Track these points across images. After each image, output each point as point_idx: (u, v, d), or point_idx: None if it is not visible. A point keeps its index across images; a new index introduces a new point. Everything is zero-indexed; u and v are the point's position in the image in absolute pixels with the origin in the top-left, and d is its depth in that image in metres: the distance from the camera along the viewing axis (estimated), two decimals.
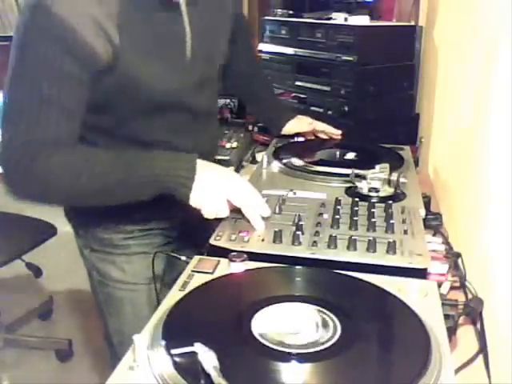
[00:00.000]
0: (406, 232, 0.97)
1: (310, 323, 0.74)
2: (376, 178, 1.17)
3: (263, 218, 1.00)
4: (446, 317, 0.78)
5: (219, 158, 1.51)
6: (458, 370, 0.77)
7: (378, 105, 1.74)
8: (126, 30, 0.93)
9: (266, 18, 2.06)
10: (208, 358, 0.62)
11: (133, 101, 1.00)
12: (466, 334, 0.87)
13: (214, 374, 0.60)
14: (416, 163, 1.41)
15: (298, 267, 0.88)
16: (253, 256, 0.90)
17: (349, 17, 1.82)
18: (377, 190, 1.15)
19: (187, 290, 0.82)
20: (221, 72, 1.19)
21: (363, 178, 1.18)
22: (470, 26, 1.25)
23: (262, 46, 2.01)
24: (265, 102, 1.57)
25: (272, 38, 1.99)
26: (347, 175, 1.20)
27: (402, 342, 0.72)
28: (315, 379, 0.66)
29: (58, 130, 0.92)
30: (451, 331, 0.79)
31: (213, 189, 0.99)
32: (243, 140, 1.74)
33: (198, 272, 0.88)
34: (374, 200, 1.12)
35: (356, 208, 1.04)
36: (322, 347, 0.68)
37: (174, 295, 0.81)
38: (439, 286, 0.88)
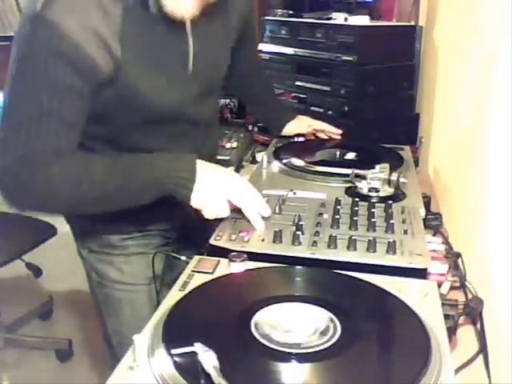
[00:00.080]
0: (406, 232, 0.97)
1: (310, 323, 0.74)
2: (376, 178, 1.17)
3: (263, 218, 1.00)
4: (446, 317, 0.78)
5: (219, 158, 1.50)
6: (458, 370, 0.77)
7: (377, 105, 1.74)
8: (128, 44, 0.92)
9: (266, 17, 2.06)
10: (208, 358, 0.62)
11: (133, 112, 1.00)
12: (466, 334, 0.87)
13: (214, 374, 0.60)
14: (416, 163, 1.41)
15: (298, 267, 0.88)
16: (253, 256, 0.90)
17: (349, 17, 1.82)
18: (377, 190, 1.15)
19: (187, 290, 0.82)
20: (223, 81, 1.19)
21: (363, 177, 1.18)
22: (470, 26, 1.25)
23: (262, 46, 2.01)
24: (265, 102, 1.57)
25: (272, 38, 1.99)
26: (347, 175, 1.20)
27: (402, 341, 0.72)
28: (315, 379, 0.66)
29: (58, 142, 0.91)
30: (451, 331, 0.79)
31: (213, 189, 0.99)
32: (243, 140, 1.74)
33: (198, 272, 0.88)
34: (374, 200, 1.12)
35: (356, 208, 1.04)
36: (322, 347, 0.68)
37: (173, 295, 0.81)
38: (439, 286, 0.88)
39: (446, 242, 1.06)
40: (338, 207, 1.06)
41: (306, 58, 1.84)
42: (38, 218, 2.11)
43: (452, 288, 0.93)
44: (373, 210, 1.04)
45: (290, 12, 2.05)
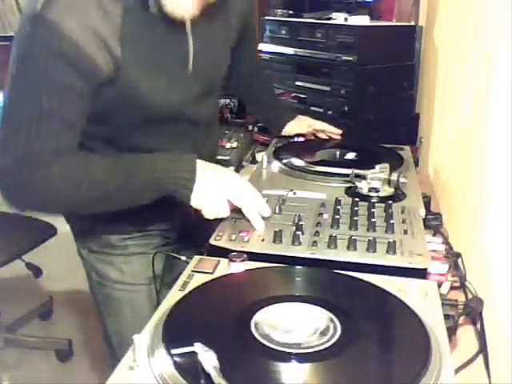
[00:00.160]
0: (406, 232, 0.97)
1: (310, 323, 0.74)
2: (376, 178, 1.17)
3: (263, 218, 1.00)
4: (446, 317, 0.78)
5: (219, 158, 1.51)
6: (458, 370, 0.77)
7: (378, 105, 1.74)
8: (128, 44, 0.92)
9: (266, 17, 2.06)
10: (208, 358, 0.62)
11: (133, 112, 1.00)
12: (466, 334, 0.87)
13: (214, 374, 0.60)
14: (416, 163, 1.41)
15: (297, 267, 0.88)
16: (253, 256, 0.90)
17: (349, 17, 1.82)
18: (377, 190, 1.15)
19: (187, 290, 0.82)
20: (223, 81, 1.19)
21: (363, 177, 1.18)
22: (470, 26, 1.25)
23: (262, 46, 2.01)
24: (265, 102, 1.57)
25: (272, 38, 1.99)
26: (347, 175, 1.20)
27: (402, 341, 0.72)
28: (315, 379, 0.66)
29: (58, 142, 0.91)
30: (451, 331, 0.79)
31: (213, 189, 0.99)
32: (243, 140, 1.74)
33: (198, 272, 0.88)
34: (374, 200, 1.12)
35: (356, 208, 1.04)
36: (322, 347, 0.68)
37: (173, 295, 0.81)
38: (439, 286, 0.88)
39: (446, 242, 1.06)
40: (338, 207, 1.06)
41: (306, 58, 1.84)
42: (38, 218, 2.11)
43: (452, 288, 0.93)
44: (373, 210, 1.04)
45: (290, 12, 2.04)
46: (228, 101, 2.01)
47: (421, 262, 0.88)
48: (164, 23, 0.94)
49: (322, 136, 1.57)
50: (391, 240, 0.90)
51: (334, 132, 1.56)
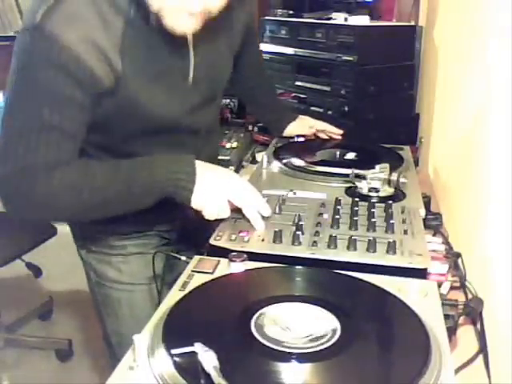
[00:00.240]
0: (406, 232, 0.97)
1: (310, 323, 0.74)
2: (376, 178, 1.17)
3: (263, 218, 1.00)
4: (446, 317, 0.78)
5: (219, 158, 1.50)
6: (458, 370, 0.77)
7: (377, 105, 1.74)
8: (128, 57, 0.91)
9: (266, 17, 2.06)
10: (208, 358, 0.62)
11: (132, 122, 0.99)
12: (466, 334, 0.87)
13: (214, 374, 0.60)
14: (416, 163, 1.41)
15: (297, 267, 0.88)
16: (253, 256, 0.90)
17: (349, 17, 1.82)
18: (377, 190, 1.15)
19: (187, 290, 0.82)
20: (223, 91, 1.19)
21: (363, 178, 1.18)
22: (470, 26, 1.25)
23: (262, 46, 2.00)
24: (265, 104, 1.57)
25: (272, 38, 1.99)
26: (347, 175, 1.20)
27: (401, 341, 0.72)
28: (315, 379, 0.66)
29: (59, 154, 0.91)
30: (451, 331, 0.79)
31: (214, 190, 0.99)
32: (243, 140, 1.74)
33: (198, 272, 0.88)
34: (374, 200, 1.12)
35: (356, 208, 1.04)
36: (322, 347, 0.68)
37: (173, 295, 0.81)
38: (439, 286, 0.88)
39: (446, 242, 1.06)
40: (338, 207, 1.06)
41: (306, 58, 1.84)
42: None
43: (452, 288, 0.93)
44: (373, 210, 1.04)
45: (290, 12, 2.04)
46: (228, 101, 2.01)
47: (421, 262, 0.88)
48: (165, 36, 0.93)
49: (323, 136, 1.57)
50: (391, 240, 0.90)
51: (335, 132, 1.56)
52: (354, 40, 1.66)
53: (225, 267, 0.89)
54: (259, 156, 1.69)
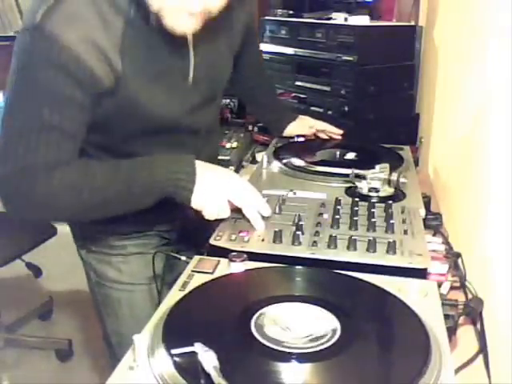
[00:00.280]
0: (406, 232, 0.97)
1: (310, 323, 0.74)
2: (376, 178, 1.17)
3: (263, 218, 1.00)
4: (446, 317, 0.78)
5: (219, 158, 1.50)
6: (458, 370, 0.77)
7: (377, 105, 1.74)
8: (128, 57, 0.91)
9: (266, 17, 2.06)
10: (208, 358, 0.62)
11: (132, 122, 0.99)
12: (466, 334, 0.87)
13: (214, 374, 0.60)
14: (416, 163, 1.41)
15: (297, 267, 0.88)
16: (253, 256, 0.90)
17: (349, 17, 1.82)
18: (377, 190, 1.15)
19: (187, 290, 0.82)
20: (223, 91, 1.19)
21: (363, 178, 1.18)
22: (470, 26, 1.25)
23: (262, 46, 2.00)
24: (265, 104, 1.57)
25: (272, 38, 1.99)
26: (347, 175, 1.20)
27: (401, 341, 0.72)
28: (315, 379, 0.66)
29: (59, 154, 0.90)
30: (451, 331, 0.79)
31: (214, 190, 0.99)
32: (243, 140, 1.74)
33: (198, 272, 0.88)
34: (374, 200, 1.12)
35: (356, 208, 1.04)
36: (322, 347, 0.68)
37: (173, 295, 0.81)
38: (439, 286, 0.88)
39: (446, 242, 1.06)
40: (338, 207, 1.06)
41: (306, 58, 1.84)
42: None
43: (452, 288, 0.93)
44: (373, 210, 1.04)
45: (290, 12, 2.04)
46: (228, 101, 2.01)
47: (421, 262, 0.88)
48: (165, 36, 0.93)
49: (323, 136, 1.57)
50: (391, 240, 0.90)
51: (335, 132, 1.56)
52: (354, 40, 1.66)
53: (225, 267, 0.89)
54: (259, 156, 1.69)
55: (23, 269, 2.50)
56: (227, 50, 1.13)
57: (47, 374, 2.15)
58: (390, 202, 1.08)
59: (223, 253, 0.91)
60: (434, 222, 1.11)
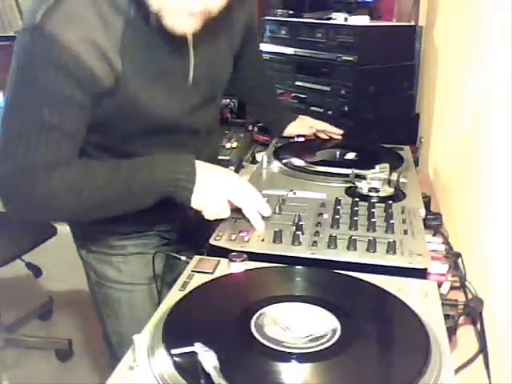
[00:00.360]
0: (406, 232, 0.97)
1: (310, 323, 0.74)
2: (376, 178, 1.17)
3: (264, 218, 1.00)
4: (446, 317, 0.78)
5: (219, 157, 1.50)
6: (458, 370, 0.77)
7: (377, 105, 1.74)
8: (128, 57, 0.91)
9: (266, 17, 2.06)
10: (208, 358, 0.62)
11: (132, 122, 0.99)
12: (466, 334, 0.87)
13: (214, 374, 0.60)
14: (416, 163, 1.41)
15: (298, 267, 0.88)
16: (253, 256, 0.90)
17: (349, 17, 1.82)
18: (377, 190, 1.15)
19: (187, 290, 0.82)
20: (223, 91, 1.19)
21: (363, 178, 1.18)
22: (470, 26, 1.25)
23: (262, 46, 2.00)
24: (265, 104, 1.57)
25: (272, 38, 1.99)
26: (347, 175, 1.20)
27: (401, 341, 0.72)
28: (315, 379, 0.66)
29: (59, 153, 0.90)
30: (451, 331, 0.79)
31: (213, 190, 0.99)
32: (243, 140, 1.74)
33: (198, 272, 0.88)
34: (374, 200, 1.12)
35: (356, 208, 1.04)
36: (322, 347, 0.68)
37: (173, 295, 0.81)
38: (439, 286, 0.88)
39: (446, 242, 1.06)
40: (338, 207, 1.06)
41: (306, 58, 1.84)
42: None
43: (452, 288, 0.93)
44: (373, 210, 1.04)
45: (290, 12, 2.04)
46: (228, 101, 2.01)
47: (421, 262, 0.88)
48: (165, 36, 0.93)
49: (323, 136, 1.57)
50: (391, 240, 0.90)
51: (335, 132, 1.56)
52: (353, 40, 1.66)
53: (225, 267, 0.89)
54: (259, 156, 1.69)
55: (23, 269, 2.50)
56: (227, 50, 1.13)
57: (47, 373, 2.15)
58: (390, 201, 1.08)
59: (223, 253, 0.91)
60: (434, 222, 1.11)
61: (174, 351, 0.65)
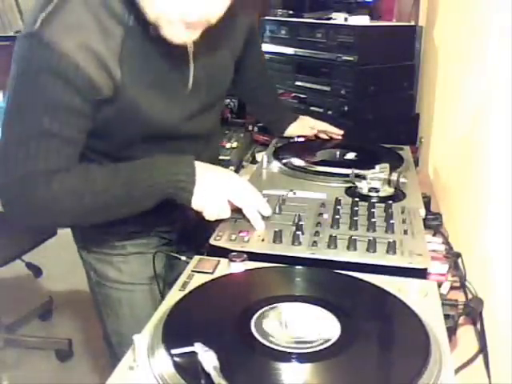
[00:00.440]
0: (406, 232, 0.97)
1: (310, 323, 0.74)
2: (376, 178, 1.17)
3: (264, 218, 1.00)
4: (446, 317, 0.78)
5: (219, 158, 1.50)
6: (458, 370, 0.77)
7: (377, 105, 1.74)
8: (127, 66, 0.91)
9: (266, 18, 2.06)
10: (208, 358, 0.62)
11: (132, 129, 0.99)
12: (466, 334, 0.87)
13: (214, 374, 0.60)
14: (416, 163, 1.41)
15: (298, 267, 0.88)
16: (253, 256, 0.90)
17: (349, 17, 1.82)
18: (377, 190, 1.15)
19: (187, 290, 0.82)
20: (224, 96, 1.19)
21: (363, 178, 1.18)
22: (470, 26, 1.25)
23: (262, 46, 2.00)
24: (266, 105, 1.56)
25: (272, 38, 1.99)
26: (347, 175, 1.20)
27: (401, 341, 0.72)
28: (315, 379, 0.66)
29: (59, 160, 0.90)
30: (451, 331, 0.79)
31: (214, 190, 0.98)
32: (243, 140, 1.74)
33: (198, 272, 0.88)
34: (374, 200, 1.12)
35: (356, 208, 1.04)
36: (322, 347, 0.68)
37: (173, 295, 0.81)
38: (439, 286, 0.88)
39: (446, 242, 1.06)
40: (338, 207, 1.06)
41: (306, 58, 1.84)
42: None
43: (452, 288, 0.93)
44: (373, 210, 1.04)
45: (290, 12, 2.04)
46: (228, 101, 2.01)
47: (421, 262, 0.88)
48: (164, 45, 0.92)
49: (323, 136, 1.57)
50: (391, 240, 0.90)
51: (336, 132, 1.56)
52: (353, 40, 1.66)
53: (225, 267, 0.89)
54: (259, 156, 1.69)
55: (23, 269, 2.50)
56: (229, 55, 1.12)
57: (47, 373, 2.15)
58: (390, 202, 1.08)
59: (223, 253, 0.91)
60: (434, 222, 1.11)
61: (173, 351, 0.65)
